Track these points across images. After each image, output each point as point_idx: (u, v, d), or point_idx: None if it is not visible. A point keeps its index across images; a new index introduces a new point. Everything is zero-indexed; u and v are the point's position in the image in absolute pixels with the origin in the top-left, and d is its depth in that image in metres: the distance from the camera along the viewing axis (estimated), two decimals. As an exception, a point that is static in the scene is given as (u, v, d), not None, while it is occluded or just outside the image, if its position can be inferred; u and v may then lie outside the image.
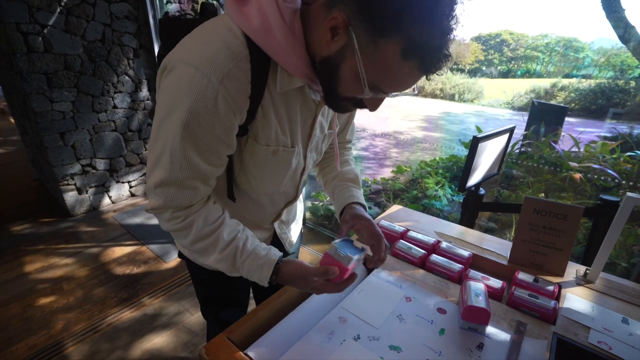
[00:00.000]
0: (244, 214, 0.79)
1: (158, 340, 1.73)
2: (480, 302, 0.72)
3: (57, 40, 2.45)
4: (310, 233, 2.77)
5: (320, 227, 2.85)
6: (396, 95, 0.77)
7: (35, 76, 2.42)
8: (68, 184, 2.81)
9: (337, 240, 0.69)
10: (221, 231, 0.66)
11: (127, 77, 2.91)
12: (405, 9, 0.44)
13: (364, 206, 0.85)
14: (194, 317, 1.87)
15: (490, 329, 0.74)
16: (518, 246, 0.99)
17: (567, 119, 3.42)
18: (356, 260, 0.67)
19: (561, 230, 0.93)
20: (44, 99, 2.50)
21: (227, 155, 0.63)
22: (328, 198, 3.24)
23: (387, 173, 4.15)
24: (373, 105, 0.59)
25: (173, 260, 2.35)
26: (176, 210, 0.62)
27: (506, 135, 1.61)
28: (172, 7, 2.98)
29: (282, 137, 0.66)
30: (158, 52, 0.75)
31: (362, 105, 0.59)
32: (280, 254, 0.70)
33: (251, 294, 1.10)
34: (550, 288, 0.85)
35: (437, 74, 0.52)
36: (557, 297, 0.85)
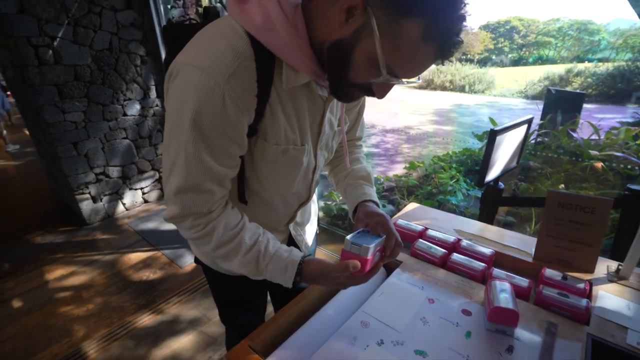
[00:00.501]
0: (257, 217, 0.78)
1: (177, 347, 1.74)
2: (508, 302, 0.69)
3: (66, 51, 2.48)
4: (324, 233, 2.75)
5: (333, 227, 2.83)
6: (403, 83, 0.73)
7: (46, 88, 2.46)
8: (83, 193, 2.85)
9: (350, 235, 0.68)
10: (243, 236, 0.66)
11: (135, 85, 2.94)
12: None
13: (376, 203, 0.84)
14: (212, 323, 1.87)
15: (519, 331, 0.70)
16: (543, 242, 0.95)
17: (584, 105, 3.30)
18: (374, 247, 0.65)
19: (589, 225, 0.89)
20: (55, 110, 2.54)
21: (239, 155, 0.63)
22: (341, 197, 3.22)
23: (399, 169, 4.09)
24: (382, 92, 0.57)
25: (188, 265, 2.37)
26: (196, 217, 0.62)
27: (524, 127, 1.55)
28: (176, 12, 2.99)
29: (291, 135, 0.66)
30: (165, 59, 0.74)
31: (370, 92, 0.58)
32: (302, 254, 0.69)
33: (268, 298, 1.09)
34: (581, 286, 0.80)
35: (449, 60, 0.52)
36: (589, 296, 0.81)
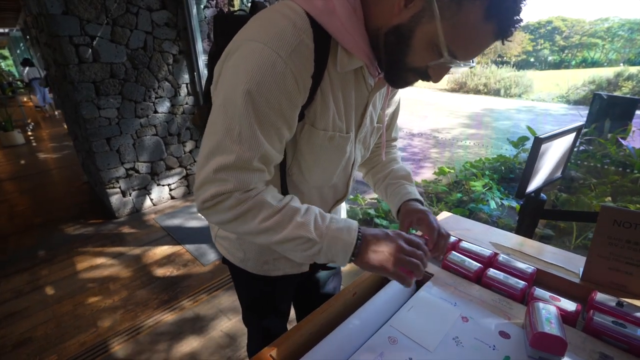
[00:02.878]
0: None
1: (197, 344, 1.74)
2: (554, 328, 0.62)
3: (104, 50, 2.58)
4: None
5: (357, 231, 2.75)
6: (461, 66, 0.71)
7: (85, 85, 2.56)
8: (113, 187, 2.95)
9: None
10: (294, 203, 0.63)
11: (167, 83, 3.00)
12: None
13: (420, 201, 0.83)
14: (232, 322, 1.86)
15: None
16: (594, 262, 0.85)
17: (637, 112, 3.03)
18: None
19: (652, 246, 0.79)
20: (92, 106, 2.64)
21: (285, 141, 0.62)
22: (366, 202, 3.15)
23: (427, 174, 3.95)
24: (438, 75, 0.57)
25: (210, 264, 2.38)
26: (242, 192, 0.59)
27: (572, 135, 1.43)
28: (209, 12, 3.03)
29: (338, 122, 0.65)
30: (210, 50, 0.74)
31: (425, 76, 0.58)
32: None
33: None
34: None
35: (508, 40, 0.52)
36: None
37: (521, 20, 0.49)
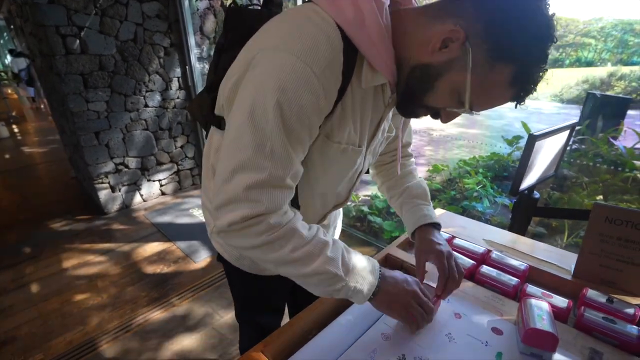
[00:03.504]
0: None
1: (187, 342, 1.72)
2: (545, 324, 0.63)
3: (92, 41, 2.50)
4: (342, 235, 2.68)
5: (351, 228, 2.76)
6: (472, 114, 0.74)
7: (72, 77, 2.49)
8: (102, 182, 2.89)
9: None
10: (321, 234, 0.61)
11: (157, 76, 2.94)
12: (533, 40, 0.47)
13: (436, 224, 0.84)
14: (223, 320, 1.84)
15: (557, 356, 0.64)
16: (585, 259, 0.87)
17: (629, 112, 3.06)
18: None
19: (641, 243, 0.80)
20: (80, 99, 2.57)
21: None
22: (360, 199, 3.13)
23: (421, 172, 3.96)
24: (449, 118, 0.59)
25: (202, 260, 2.35)
26: (276, 217, 0.55)
27: (566, 132, 1.43)
28: (202, 5, 2.97)
29: (353, 136, 0.65)
30: (218, 41, 0.71)
31: (436, 115, 0.60)
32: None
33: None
34: (630, 311, 0.73)
35: (519, 103, 0.54)
36: (639, 322, 0.73)
37: (535, 90, 0.52)
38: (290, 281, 0.73)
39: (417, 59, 0.54)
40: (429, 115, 0.62)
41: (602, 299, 0.77)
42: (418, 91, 0.56)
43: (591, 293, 0.79)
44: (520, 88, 0.51)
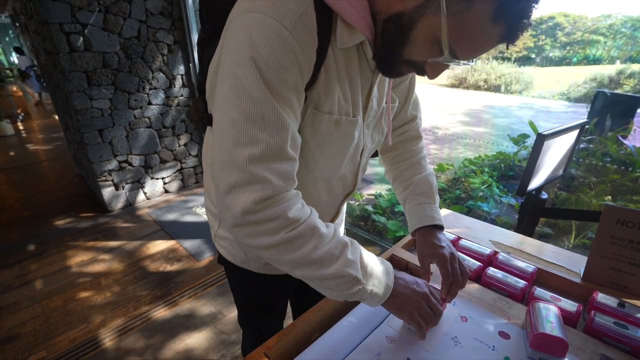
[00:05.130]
0: None
1: (190, 341, 1.71)
2: (554, 329, 0.61)
3: (96, 38, 2.50)
4: (345, 234, 2.66)
5: (355, 227, 2.74)
6: (460, 65, 0.55)
7: (76, 74, 2.48)
8: (106, 180, 2.89)
9: None
10: (338, 231, 0.59)
11: (161, 74, 2.93)
12: None
13: (438, 226, 0.80)
14: (226, 319, 1.83)
15: None
16: (595, 262, 0.85)
17: (638, 110, 3.01)
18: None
19: (655, 247, 0.78)
20: (84, 96, 2.57)
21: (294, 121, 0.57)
22: (364, 198, 3.10)
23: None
24: (435, 72, 0.54)
25: (205, 259, 2.34)
26: (292, 208, 0.53)
27: (576, 132, 1.40)
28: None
29: (344, 105, 0.61)
30: (198, 38, 0.68)
31: (421, 71, 0.55)
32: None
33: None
34: None
35: (513, 44, 0.49)
36: None
37: (530, 24, 0.47)
38: (295, 281, 0.72)
39: (388, 10, 0.51)
40: (413, 72, 0.58)
41: (613, 303, 0.74)
42: (395, 46, 0.52)
43: (602, 297, 0.77)
44: (506, 23, 0.45)
